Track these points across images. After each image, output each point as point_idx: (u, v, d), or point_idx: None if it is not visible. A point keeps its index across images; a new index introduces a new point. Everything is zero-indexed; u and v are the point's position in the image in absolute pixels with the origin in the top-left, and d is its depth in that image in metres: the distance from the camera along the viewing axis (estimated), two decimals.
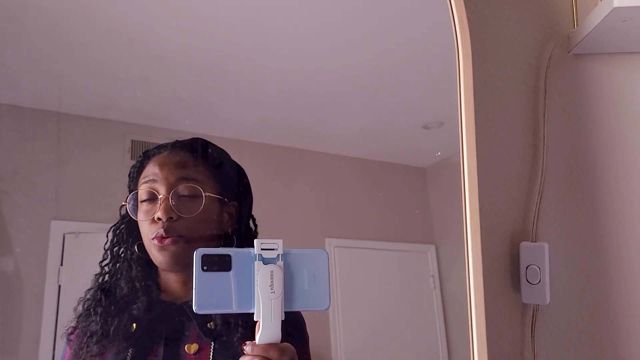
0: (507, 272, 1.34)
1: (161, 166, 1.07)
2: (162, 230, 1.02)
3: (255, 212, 1.11)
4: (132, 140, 1.13)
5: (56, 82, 1.13)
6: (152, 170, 1.07)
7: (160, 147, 1.10)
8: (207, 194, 1.07)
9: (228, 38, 1.22)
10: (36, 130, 1.11)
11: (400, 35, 1.26)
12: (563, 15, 1.42)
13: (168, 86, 1.17)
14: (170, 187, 1.05)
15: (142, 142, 1.12)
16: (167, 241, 1.02)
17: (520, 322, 1.34)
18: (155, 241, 1.03)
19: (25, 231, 1.07)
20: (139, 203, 1.07)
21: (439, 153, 1.26)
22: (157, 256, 1.04)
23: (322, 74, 1.26)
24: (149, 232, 1.04)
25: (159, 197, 1.04)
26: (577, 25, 1.39)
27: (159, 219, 1.03)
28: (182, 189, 1.06)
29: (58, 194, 1.09)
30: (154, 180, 1.06)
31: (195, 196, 1.06)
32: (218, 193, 1.09)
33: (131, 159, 1.11)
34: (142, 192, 1.06)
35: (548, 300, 1.30)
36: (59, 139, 1.10)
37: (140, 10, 1.18)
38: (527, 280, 1.31)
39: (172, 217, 1.03)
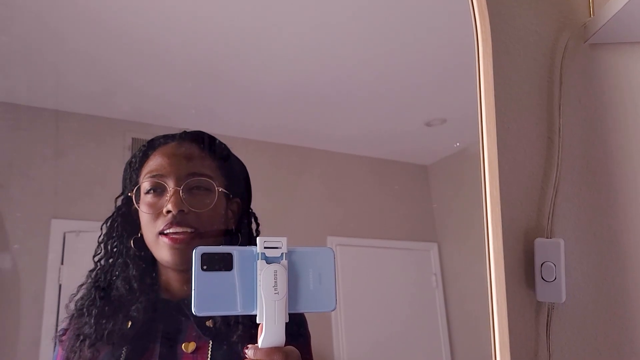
0: (521, 269, 1.32)
1: (169, 158, 1.05)
2: (173, 222, 1.00)
3: (256, 210, 1.09)
4: (132, 138, 1.11)
5: (53, 75, 1.11)
6: (159, 161, 1.05)
7: (167, 138, 1.08)
8: (220, 189, 1.05)
9: (233, 35, 1.20)
10: (33, 122, 1.09)
11: (402, 33, 1.25)
12: (578, 4, 1.39)
13: (171, 84, 1.16)
14: (180, 180, 1.03)
15: (143, 140, 1.09)
16: (179, 240, 1.00)
17: (534, 321, 1.31)
18: (167, 240, 1.01)
19: (22, 227, 1.04)
20: (142, 195, 1.04)
21: (458, 144, 1.24)
22: (165, 254, 1.01)
23: (323, 73, 1.25)
24: (154, 225, 1.02)
25: (169, 189, 1.02)
26: (593, 14, 1.36)
27: (169, 211, 1.01)
28: (194, 182, 1.04)
29: (57, 191, 1.08)
30: (161, 172, 1.04)
31: (206, 190, 1.05)
32: (225, 188, 1.07)
33: None
34: (148, 183, 1.04)
35: (564, 298, 1.26)
36: (57, 132, 1.08)
37: (143, 7, 1.16)
38: (542, 277, 1.28)
39: (183, 210, 1.01)
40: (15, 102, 1.09)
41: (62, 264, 1.04)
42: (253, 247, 0.80)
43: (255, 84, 1.20)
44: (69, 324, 1.00)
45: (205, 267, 0.78)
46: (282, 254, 0.80)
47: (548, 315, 1.29)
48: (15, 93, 1.09)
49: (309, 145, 1.20)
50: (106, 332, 0.97)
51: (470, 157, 1.14)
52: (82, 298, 1.01)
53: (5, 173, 1.06)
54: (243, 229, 1.07)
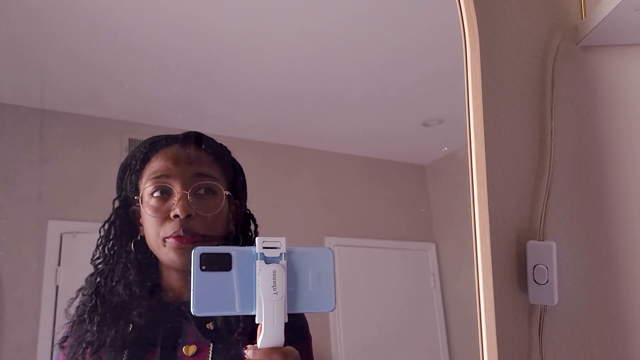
0: (513, 271, 1.31)
1: (174, 160, 1.04)
2: (180, 229, 1.00)
3: (253, 210, 1.09)
4: (129, 139, 1.09)
5: (39, 75, 1.10)
6: (163, 163, 1.04)
7: (168, 139, 1.07)
8: (227, 192, 1.05)
9: (227, 35, 1.20)
10: (17, 125, 1.07)
11: (398, 32, 1.25)
12: (570, 6, 1.40)
13: (165, 84, 1.16)
14: (186, 182, 1.02)
15: (140, 140, 1.08)
16: (186, 240, 0.99)
17: (527, 324, 1.31)
18: (173, 240, 1.00)
19: (8, 233, 1.02)
20: (146, 197, 1.03)
21: (446, 148, 1.24)
22: (171, 255, 1.00)
23: (319, 72, 1.25)
24: (160, 230, 1.01)
25: (176, 193, 1.01)
26: (585, 16, 1.37)
27: (176, 216, 1.00)
28: (201, 186, 1.03)
29: (54, 192, 1.06)
30: (167, 175, 1.03)
31: (213, 194, 1.04)
32: (227, 190, 1.06)
33: None
34: (153, 186, 1.02)
35: (556, 301, 1.26)
36: (42, 135, 1.07)
37: (137, 6, 1.15)
38: (534, 280, 1.28)
39: (191, 215, 1.00)
40: (5, 103, 1.07)
41: (59, 265, 1.03)
42: (252, 247, 0.80)
43: (251, 83, 1.20)
44: (70, 330, 0.99)
45: (204, 268, 0.78)
46: (281, 254, 0.80)
47: (540, 318, 1.29)
48: (3, 93, 1.08)
49: (307, 145, 1.20)
50: (109, 339, 0.96)
51: (467, 157, 1.14)
52: (83, 304, 1.00)
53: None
54: (243, 231, 1.07)
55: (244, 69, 1.20)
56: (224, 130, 1.13)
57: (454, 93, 1.17)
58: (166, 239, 1.00)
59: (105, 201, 1.05)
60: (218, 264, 0.78)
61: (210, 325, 0.98)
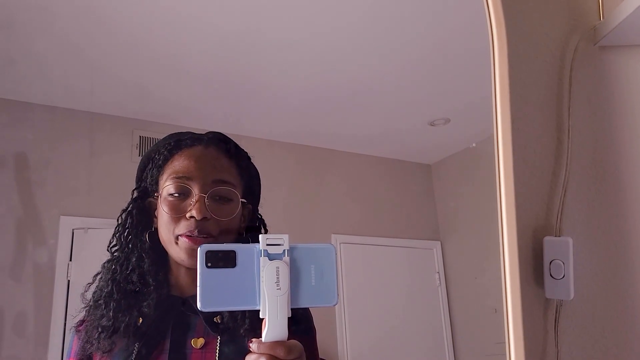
0: (529, 266, 1.32)
1: (196, 161, 1.07)
2: (195, 229, 1.02)
3: (260, 209, 1.12)
4: (140, 136, 1.12)
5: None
6: (185, 164, 1.07)
7: (193, 139, 1.09)
8: (242, 200, 1.07)
9: (228, 34, 1.22)
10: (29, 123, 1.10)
11: (406, 34, 1.26)
12: (588, 7, 1.39)
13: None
14: (205, 186, 1.04)
15: (150, 138, 1.12)
16: (199, 242, 1.01)
17: (543, 317, 1.32)
18: (186, 240, 1.02)
19: (20, 229, 1.06)
20: (165, 194, 1.05)
21: (474, 144, 1.24)
22: (184, 255, 1.03)
23: (328, 75, 1.26)
24: (175, 227, 1.03)
25: (194, 194, 1.04)
26: (603, 17, 1.36)
27: (192, 217, 1.02)
28: (220, 191, 1.05)
29: (54, 189, 1.09)
30: (187, 175, 1.05)
31: (229, 200, 1.06)
32: (243, 195, 1.09)
33: (139, 155, 1.11)
34: (174, 186, 1.05)
35: (572, 296, 1.27)
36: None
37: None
38: (550, 275, 1.28)
39: (206, 217, 1.03)
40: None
41: (70, 260, 1.07)
42: (256, 245, 0.82)
43: (255, 84, 1.23)
44: (86, 315, 1.02)
45: (209, 265, 0.80)
46: (284, 250, 0.82)
47: (556, 312, 1.30)
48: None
49: (313, 144, 1.22)
50: (123, 325, 0.99)
51: (472, 156, 1.15)
52: (100, 289, 1.03)
53: (42, 171, 1.09)
54: (253, 234, 1.05)
55: (249, 70, 1.23)
56: (228, 129, 1.15)
57: (461, 94, 1.17)
58: (179, 237, 1.02)
59: (117, 198, 1.08)
60: (223, 261, 0.80)
61: (217, 319, 1.01)
